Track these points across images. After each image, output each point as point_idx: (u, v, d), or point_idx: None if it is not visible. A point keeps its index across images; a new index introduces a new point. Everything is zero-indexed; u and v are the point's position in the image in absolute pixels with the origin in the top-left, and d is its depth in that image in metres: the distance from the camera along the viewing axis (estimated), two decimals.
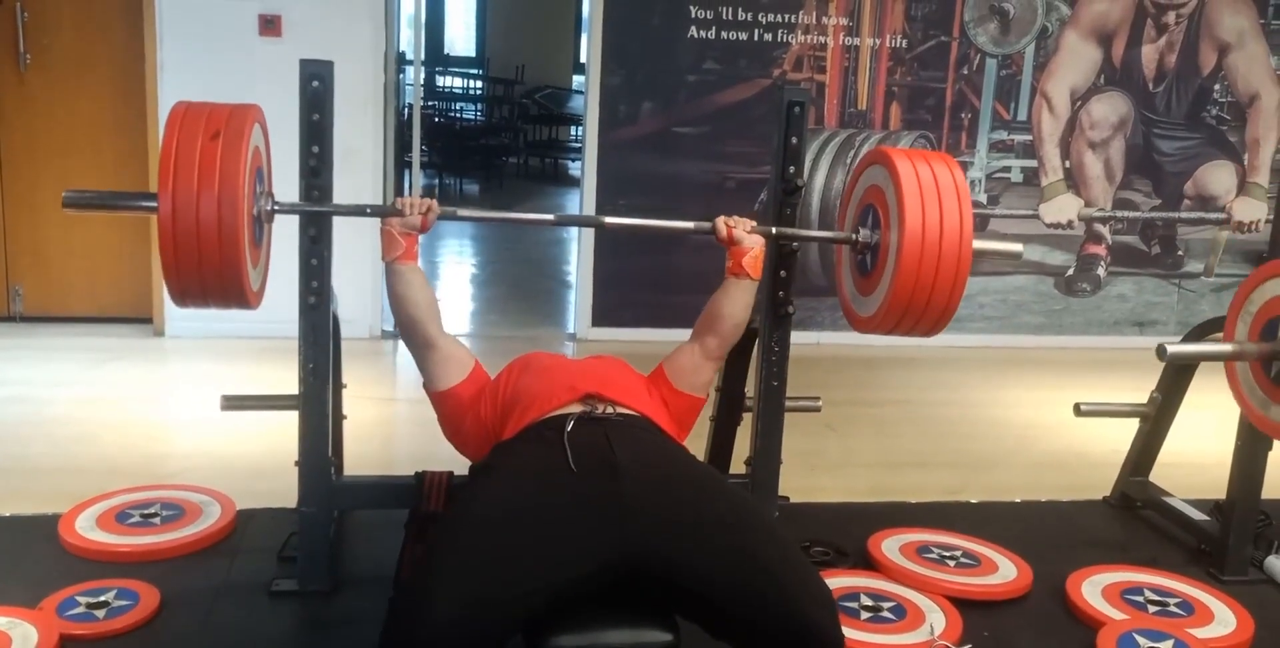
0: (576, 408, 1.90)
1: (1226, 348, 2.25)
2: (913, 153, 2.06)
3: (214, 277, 1.80)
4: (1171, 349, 2.24)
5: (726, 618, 1.61)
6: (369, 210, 2.07)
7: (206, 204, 1.74)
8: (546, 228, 7.98)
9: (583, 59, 6.32)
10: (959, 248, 1.95)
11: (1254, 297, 2.23)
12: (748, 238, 2.10)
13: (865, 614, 2.20)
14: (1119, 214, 5.19)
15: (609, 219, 2.19)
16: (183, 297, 1.85)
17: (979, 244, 2.00)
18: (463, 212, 2.15)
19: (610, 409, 1.90)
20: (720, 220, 2.11)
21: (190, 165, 1.74)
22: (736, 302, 2.12)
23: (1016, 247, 2.13)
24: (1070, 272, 5.21)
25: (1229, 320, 2.28)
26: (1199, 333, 2.74)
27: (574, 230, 5.72)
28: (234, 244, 1.77)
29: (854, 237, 2.14)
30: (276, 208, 1.99)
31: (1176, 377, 2.79)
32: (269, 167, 2.06)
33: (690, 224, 2.15)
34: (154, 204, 1.75)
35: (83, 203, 1.87)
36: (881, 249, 2.07)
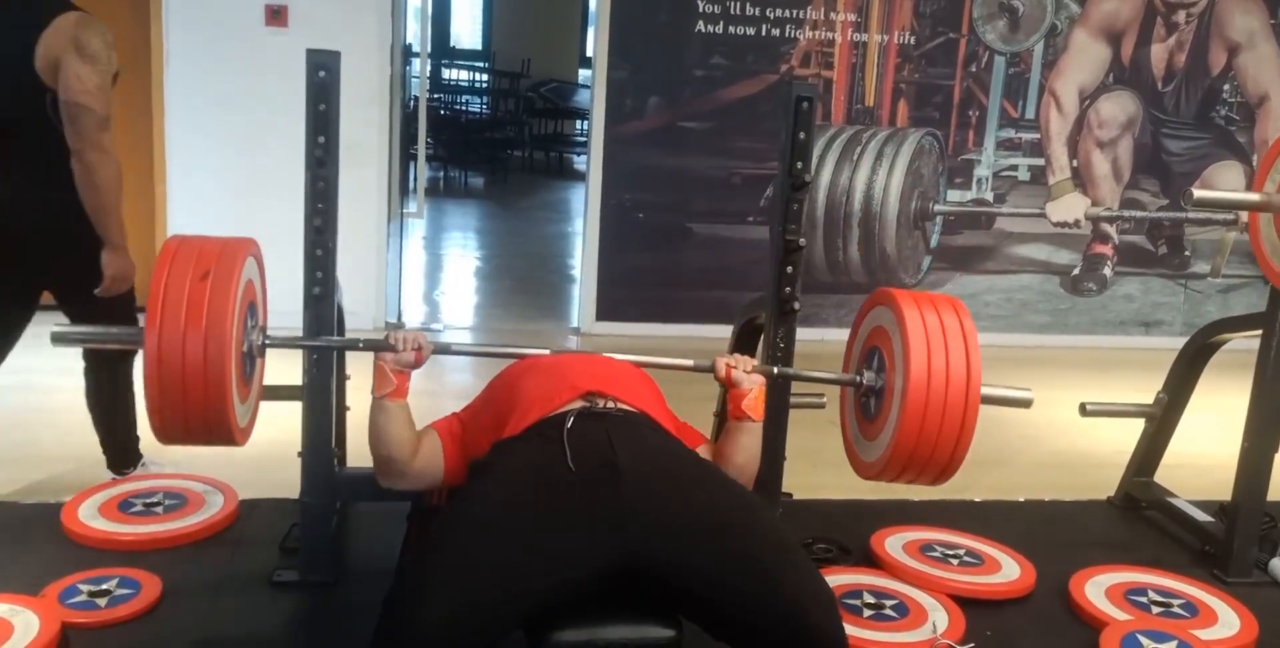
0: (577, 405, 1.87)
1: (1253, 197, 2.26)
2: (919, 297, 2.02)
3: (198, 417, 1.79)
4: (1198, 193, 2.22)
5: (727, 619, 1.60)
6: (361, 344, 2.02)
7: (193, 345, 1.73)
8: (551, 223, 8.01)
9: (589, 53, 6.30)
10: (965, 397, 1.90)
11: None
12: (747, 379, 2.02)
13: (868, 612, 2.19)
14: (1126, 214, 5.17)
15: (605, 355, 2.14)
16: (167, 435, 1.84)
17: (988, 391, 1.96)
18: (455, 346, 2.13)
19: (611, 405, 1.88)
20: (720, 360, 2.04)
21: (178, 306, 1.74)
22: (743, 448, 2.02)
23: (1027, 394, 2.06)
24: (1076, 271, 5.20)
25: (1260, 175, 2.28)
26: (1207, 333, 2.73)
27: (579, 223, 5.70)
28: (220, 386, 1.76)
29: (858, 378, 2.10)
30: (269, 342, 1.97)
31: (1183, 377, 2.78)
32: (263, 298, 2.04)
33: (690, 362, 2.08)
34: (141, 340, 1.75)
35: (71, 339, 1.90)
36: (886, 394, 2.02)
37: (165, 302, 1.74)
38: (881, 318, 2.08)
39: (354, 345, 2.04)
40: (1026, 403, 2.06)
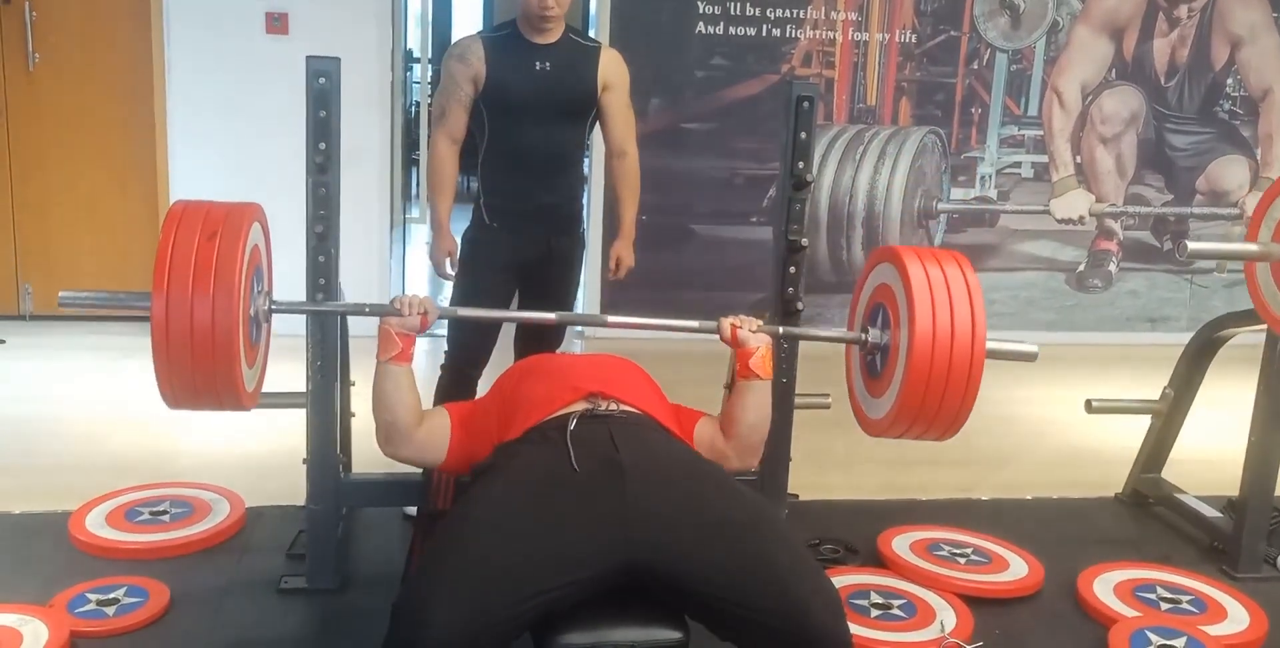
0: (580, 406, 1.88)
1: (1251, 248, 2.25)
2: (923, 252, 2.02)
3: (206, 380, 1.77)
4: (1192, 246, 2.23)
5: (732, 618, 1.60)
6: (368, 309, 2.01)
7: (200, 308, 1.72)
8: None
9: None
10: (971, 351, 1.89)
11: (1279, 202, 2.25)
12: (753, 338, 2.01)
13: (875, 612, 2.19)
14: (1130, 210, 5.16)
15: (612, 318, 2.12)
16: (174, 398, 1.82)
17: (993, 346, 1.94)
18: (462, 311, 2.12)
19: (614, 406, 1.88)
20: (725, 320, 2.02)
21: (185, 268, 1.73)
22: (752, 407, 2.00)
23: (1032, 348, 2.04)
24: (1081, 268, 5.18)
25: (1253, 224, 2.29)
26: (1212, 329, 2.73)
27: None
28: (228, 348, 1.75)
29: (863, 337, 2.08)
30: (275, 307, 1.97)
31: (1190, 373, 2.77)
32: (269, 263, 2.04)
33: (695, 323, 2.06)
34: (148, 305, 1.74)
35: (79, 304, 1.89)
36: (891, 350, 2.01)
37: (172, 264, 1.73)
38: (885, 274, 2.07)
39: (360, 310, 2.04)
40: (1031, 356, 2.05)
